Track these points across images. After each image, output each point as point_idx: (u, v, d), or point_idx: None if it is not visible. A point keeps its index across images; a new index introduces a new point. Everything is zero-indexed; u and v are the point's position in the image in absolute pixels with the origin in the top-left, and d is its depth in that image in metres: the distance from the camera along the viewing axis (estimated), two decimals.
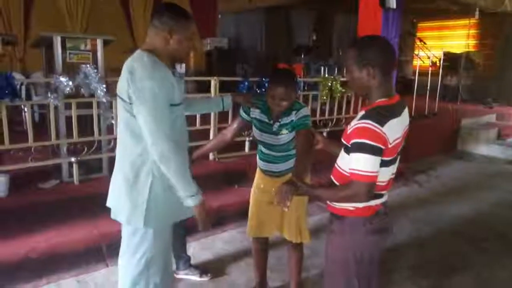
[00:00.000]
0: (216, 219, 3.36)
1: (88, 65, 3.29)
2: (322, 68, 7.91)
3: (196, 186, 1.69)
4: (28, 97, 4.88)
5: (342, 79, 5.31)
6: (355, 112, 5.80)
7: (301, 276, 2.52)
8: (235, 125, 2.29)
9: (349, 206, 1.57)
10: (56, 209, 3.11)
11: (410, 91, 7.30)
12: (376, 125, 1.41)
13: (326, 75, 6.49)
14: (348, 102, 5.57)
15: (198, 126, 4.14)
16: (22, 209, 3.05)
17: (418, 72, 7.16)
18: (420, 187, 4.98)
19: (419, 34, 9.79)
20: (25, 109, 4.15)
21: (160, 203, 1.74)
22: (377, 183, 1.50)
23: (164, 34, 1.67)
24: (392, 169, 1.57)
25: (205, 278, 2.80)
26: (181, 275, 2.81)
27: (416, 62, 7.54)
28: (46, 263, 2.74)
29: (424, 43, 7.33)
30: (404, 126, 1.54)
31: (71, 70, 3.33)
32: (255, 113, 2.20)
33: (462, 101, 9.10)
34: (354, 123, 1.48)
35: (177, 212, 1.82)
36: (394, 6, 5.28)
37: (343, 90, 5.31)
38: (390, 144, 1.44)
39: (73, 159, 3.45)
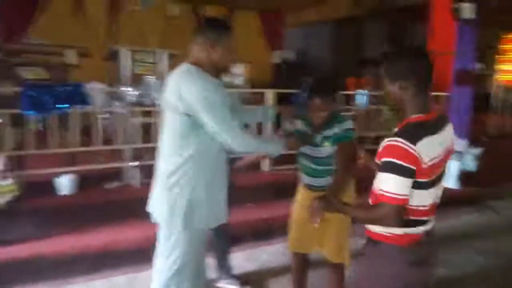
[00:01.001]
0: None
1: (152, 77, 3.51)
2: None
3: (278, 140, 2.02)
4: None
5: None
6: None
7: None
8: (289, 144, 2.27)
9: (385, 231, 1.43)
10: (115, 209, 3.34)
11: (491, 108, 6.68)
12: (406, 143, 1.29)
13: None
14: None
15: None
16: (86, 206, 3.32)
17: (504, 88, 6.54)
18: (496, 215, 4.48)
19: (504, 47, 8.96)
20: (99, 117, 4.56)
21: (197, 208, 1.80)
22: (415, 208, 1.38)
23: (206, 47, 1.76)
24: (435, 193, 1.43)
25: None
26: (222, 284, 2.83)
27: (500, 77, 6.89)
28: (100, 259, 2.94)
29: (507, 55, 6.67)
30: (446, 145, 1.40)
31: (137, 80, 3.59)
32: (298, 124, 2.19)
33: None
34: (386, 141, 1.37)
35: (213, 218, 1.89)
36: (470, 17, 4.89)
37: None
38: (425, 164, 1.31)
39: (135, 163, 3.68)
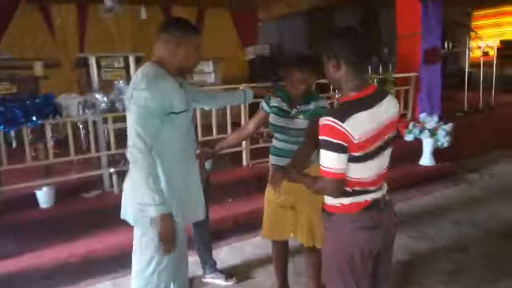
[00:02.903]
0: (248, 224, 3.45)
1: (120, 81, 3.51)
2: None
3: (162, 197, 1.68)
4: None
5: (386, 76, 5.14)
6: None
7: (321, 281, 2.46)
8: (256, 117, 2.37)
9: (336, 202, 1.54)
10: (95, 218, 3.34)
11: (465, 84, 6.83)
12: (336, 121, 1.39)
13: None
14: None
15: (215, 135, 4.23)
16: (65, 217, 3.32)
17: (474, 64, 6.68)
18: (470, 187, 4.63)
19: (475, 23, 9.15)
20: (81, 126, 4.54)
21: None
22: (357, 180, 1.48)
23: (171, 46, 1.76)
24: (377, 164, 1.52)
25: (230, 282, 2.84)
26: (207, 279, 2.88)
27: (471, 53, 7.02)
28: (85, 267, 2.96)
29: (476, 32, 6.82)
30: (383, 117, 1.48)
31: (107, 87, 3.59)
32: (276, 101, 2.27)
33: None
34: (321, 119, 1.46)
35: (185, 214, 1.86)
36: None
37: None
38: (355, 139, 1.40)
39: (112, 170, 3.69)
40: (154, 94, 1.67)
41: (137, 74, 1.76)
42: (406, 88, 5.55)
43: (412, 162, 4.91)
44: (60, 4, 6.86)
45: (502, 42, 8.23)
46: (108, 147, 3.75)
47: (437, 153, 4.87)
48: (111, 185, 3.76)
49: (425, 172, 4.80)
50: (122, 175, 3.78)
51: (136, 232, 1.89)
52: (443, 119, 5.03)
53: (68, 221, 3.26)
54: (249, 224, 3.52)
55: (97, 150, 3.68)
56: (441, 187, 4.56)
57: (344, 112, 1.42)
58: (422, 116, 5.04)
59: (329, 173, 1.44)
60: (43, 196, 3.37)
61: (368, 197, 1.53)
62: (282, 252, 2.53)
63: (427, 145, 4.85)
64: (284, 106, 2.24)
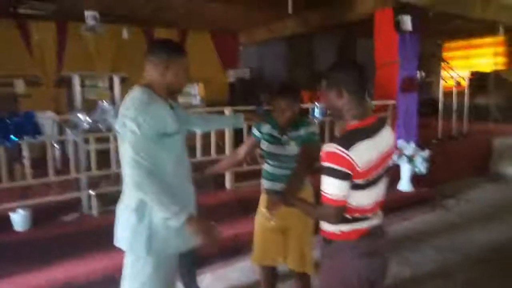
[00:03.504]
0: (233, 248, 3.38)
1: (104, 101, 3.45)
2: None
3: (177, 206, 1.67)
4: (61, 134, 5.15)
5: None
6: None
7: None
8: (247, 143, 2.41)
9: (336, 229, 1.55)
10: (74, 242, 3.20)
11: (438, 113, 7.10)
12: (341, 148, 1.42)
13: None
14: None
15: (214, 155, 4.20)
16: (42, 242, 3.16)
17: (446, 93, 6.98)
18: (447, 212, 4.74)
19: (445, 55, 9.61)
20: (56, 146, 4.40)
21: (161, 232, 1.76)
22: (357, 207, 1.50)
23: (160, 68, 1.76)
24: (376, 192, 1.55)
25: None
26: None
27: (444, 83, 7.35)
28: None
29: (447, 63, 7.16)
30: (383, 147, 1.53)
31: (90, 106, 3.52)
32: (266, 128, 2.29)
33: (494, 121, 8.73)
34: (325, 146, 1.49)
35: (181, 241, 1.82)
36: (410, 29, 5.25)
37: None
38: (359, 167, 1.43)
39: (91, 192, 3.57)
40: (145, 119, 1.67)
41: (126, 101, 1.75)
42: (384, 115, 5.71)
43: (391, 187, 5.00)
44: (39, 21, 6.73)
45: (471, 73, 8.68)
46: (88, 168, 3.64)
47: (415, 178, 4.99)
48: (90, 207, 3.64)
49: (404, 198, 4.90)
50: (102, 197, 3.70)
51: (128, 257, 1.83)
52: (420, 146, 5.18)
53: (45, 245, 3.11)
54: (233, 249, 3.46)
55: (77, 171, 3.56)
56: (419, 213, 4.66)
57: (349, 140, 1.45)
58: (400, 142, 5.17)
59: (331, 200, 1.45)
60: (18, 219, 3.22)
61: (367, 224, 1.55)
62: (271, 278, 2.49)
63: (405, 171, 4.97)
64: (275, 132, 2.26)
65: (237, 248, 3.51)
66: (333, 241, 1.58)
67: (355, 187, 1.46)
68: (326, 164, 1.45)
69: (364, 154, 1.44)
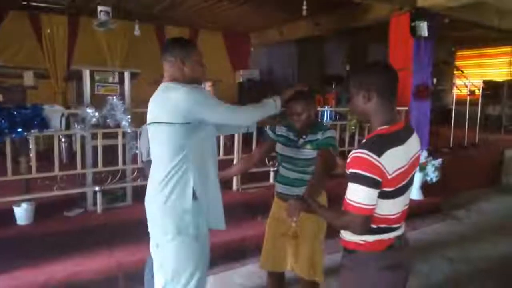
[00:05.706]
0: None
1: (114, 97, 3.40)
2: None
3: (270, 100, 1.99)
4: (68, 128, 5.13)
5: None
6: None
7: None
8: (262, 146, 2.37)
9: (359, 239, 1.46)
10: (76, 238, 3.15)
11: (449, 121, 7.00)
12: (371, 154, 1.33)
13: None
14: None
15: (221, 156, 4.13)
16: (45, 236, 3.11)
17: (458, 102, 6.87)
18: (458, 223, 4.63)
19: (458, 63, 9.49)
20: (63, 140, 4.37)
21: (191, 212, 1.82)
22: (384, 216, 1.42)
23: (177, 65, 1.86)
24: (403, 201, 1.47)
25: None
26: None
27: (455, 92, 7.25)
28: None
29: (462, 71, 7.05)
30: (411, 154, 1.45)
31: (99, 101, 3.46)
32: (282, 130, 2.25)
33: (506, 131, 8.59)
34: (353, 152, 1.40)
35: (209, 220, 1.93)
36: (426, 34, 5.16)
37: None
38: (390, 175, 1.34)
39: (97, 188, 3.52)
40: (199, 91, 1.81)
41: (168, 95, 1.78)
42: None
43: None
44: (50, 14, 6.72)
45: (484, 82, 8.56)
46: (95, 164, 3.58)
47: (425, 187, 4.89)
48: (95, 204, 3.59)
49: (414, 206, 4.78)
50: (107, 194, 3.64)
51: (172, 243, 1.83)
52: (431, 154, 5.08)
53: (47, 240, 3.06)
54: (238, 253, 3.38)
55: (83, 167, 3.51)
56: (430, 222, 4.55)
57: (380, 145, 1.36)
58: None
59: (357, 209, 1.36)
60: (22, 213, 3.17)
61: (392, 235, 1.47)
62: (278, 285, 2.41)
63: (416, 179, 4.86)
64: (291, 135, 2.20)
65: (242, 252, 3.44)
66: (356, 251, 1.48)
67: (383, 195, 1.37)
68: (354, 170, 1.35)
69: (394, 161, 1.35)
